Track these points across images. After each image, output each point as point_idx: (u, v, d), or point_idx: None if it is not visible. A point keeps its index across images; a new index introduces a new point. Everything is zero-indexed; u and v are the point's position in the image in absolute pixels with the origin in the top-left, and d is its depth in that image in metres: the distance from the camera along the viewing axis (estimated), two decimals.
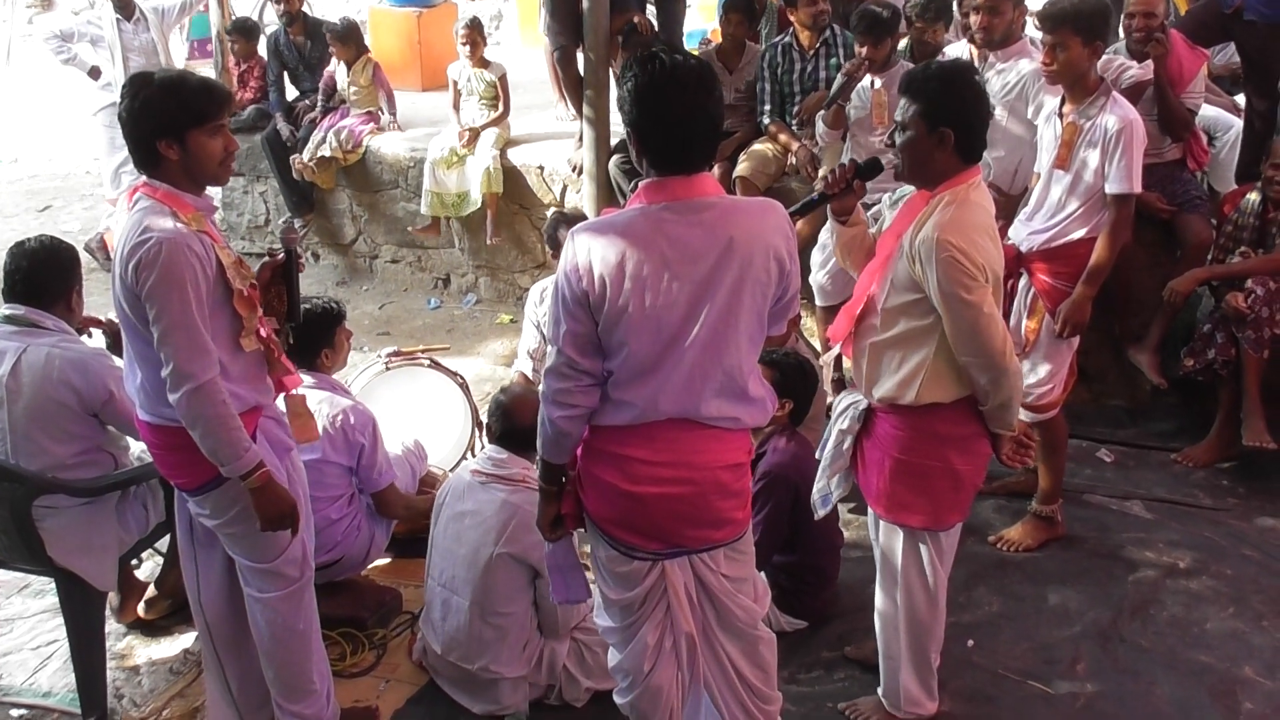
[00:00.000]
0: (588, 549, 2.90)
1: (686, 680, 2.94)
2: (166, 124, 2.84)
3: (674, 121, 2.49)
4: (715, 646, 2.88)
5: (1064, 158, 4.05)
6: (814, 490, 3.41)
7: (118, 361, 3.66)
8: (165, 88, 2.84)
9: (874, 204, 4.25)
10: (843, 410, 3.30)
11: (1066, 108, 4.07)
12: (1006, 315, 4.29)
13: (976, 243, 2.85)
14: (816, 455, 3.41)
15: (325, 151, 7.47)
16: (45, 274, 3.62)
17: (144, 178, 2.93)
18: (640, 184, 2.60)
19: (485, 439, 3.70)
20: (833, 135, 5.57)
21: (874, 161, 3.18)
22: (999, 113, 4.39)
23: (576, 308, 2.54)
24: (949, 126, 2.88)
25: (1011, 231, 4.31)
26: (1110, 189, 3.96)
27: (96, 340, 4.02)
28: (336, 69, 7.75)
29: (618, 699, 2.98)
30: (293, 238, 3.28)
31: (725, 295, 2.53)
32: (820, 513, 3.41)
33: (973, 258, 2.82)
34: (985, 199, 3.00)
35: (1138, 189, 3.98)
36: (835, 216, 3.23)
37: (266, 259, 3.25)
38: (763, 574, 3.17)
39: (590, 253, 2.51)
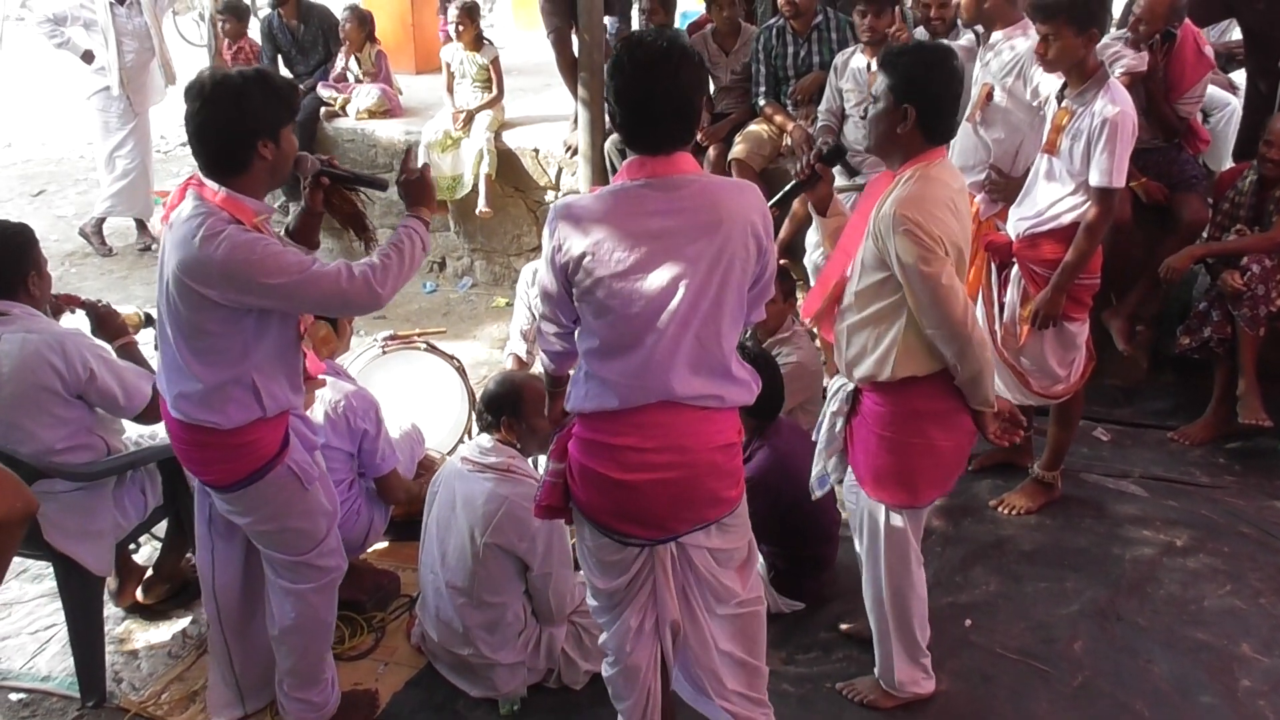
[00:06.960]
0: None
1: (671, 661, 2.93)
2: (270, 123, 2.76)
3: (635, 100, 2.52)
4: (699, 620, 2.86)
5: (1053, 142, 4.01)
6: (812, 472, 3.43)
7: (96, 340, 3.63)
8: (265, 86, 2.75)
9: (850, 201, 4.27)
10: (834, 393, 3.33)
11: (1066, 91, 4.02)
12: (1001, 305, 4.30)
13: (934, 215, 2.87)
14: (813, 438, 3.43)
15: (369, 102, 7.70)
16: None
17: (198, 178, 2.81)
18: (624, 162, 2.63)
19: (478, 425, 3.69)
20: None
21: (837, 147, 3.28)
22: (997, 94, 4.34)
23: (553, 283, 2.60)
24: (912, 103, 2.91)
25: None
26: (1091, 181, 3.90)
27: (76, 321, 3.93)
28: (347, 54, 7.88)
29: (604, 671, 3.01)
30: (311, 161, 3.12)
31: (704, 269, 2.52)
32: (818, 494, 3.44)
33: (929, 230, 2.85)
34: (949, 175, 3.02)
35: (1119, 184, 3.89)
36: (814, 208, 3.27)
37: (308, 189, 3.14)
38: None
39: (570, 228, 2.54)
